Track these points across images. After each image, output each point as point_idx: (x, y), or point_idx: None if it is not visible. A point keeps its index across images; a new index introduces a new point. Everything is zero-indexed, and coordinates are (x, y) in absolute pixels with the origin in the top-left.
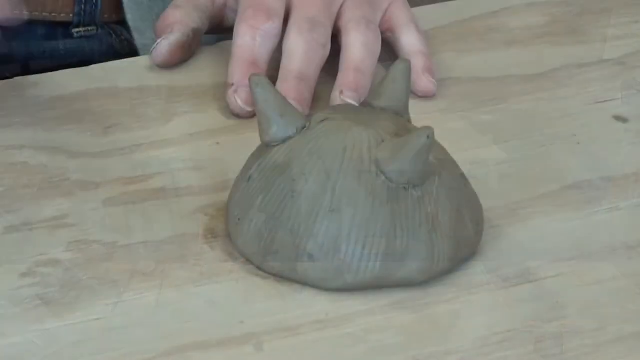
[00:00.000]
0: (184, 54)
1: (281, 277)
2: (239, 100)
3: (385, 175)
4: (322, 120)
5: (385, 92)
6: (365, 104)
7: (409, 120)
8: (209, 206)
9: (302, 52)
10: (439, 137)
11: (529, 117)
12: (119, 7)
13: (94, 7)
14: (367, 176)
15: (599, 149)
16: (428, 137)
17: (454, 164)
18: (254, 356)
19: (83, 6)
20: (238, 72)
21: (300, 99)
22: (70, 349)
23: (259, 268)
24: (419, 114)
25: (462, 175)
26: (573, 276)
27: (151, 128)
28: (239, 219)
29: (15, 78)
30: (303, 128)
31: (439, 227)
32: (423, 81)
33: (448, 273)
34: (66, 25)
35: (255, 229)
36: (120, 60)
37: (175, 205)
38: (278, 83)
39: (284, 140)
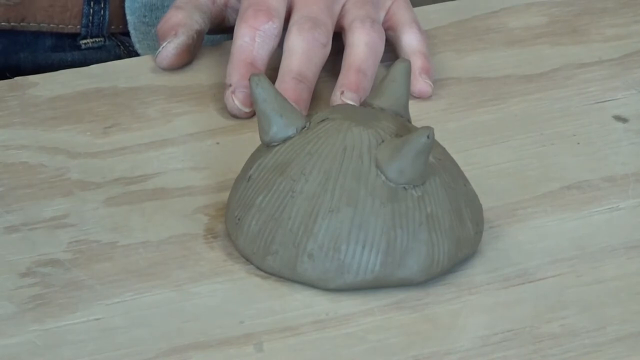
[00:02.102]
0: (189, 57)
1: (281, 277)
2: (236, 101)
3: (385, 175)
4: (322, 120)
5: (385, 92)
6: (365, 104)
7: (409, 120)
8: (209, 206)
9: (301, 52)
10: (439, 137)
11: (529, 117)
12: (126, 19)
13: (101, 18)
14: (367, 176)
15: (599, 149)
16: (428, 137)
17: (454, 164)
18: (254, 356)
19: (91, 18)
20: (236, 73)
21: (298, 100)
22: (70, 349)
23: (259, 268)
24: (419, 114)
25: (462, 175)
26: (573, 276)
27: (151, 128)
28: (239, 219)
29: (16, 78)
30: (303, 128)
31: (439, 227)
32: (419, 82)
33: (448, 273)
34: (74, 37)
35: (255, 229)
36: (120, 60)
37: (175, 205)
38: (277, 83)
39: (284, 140)
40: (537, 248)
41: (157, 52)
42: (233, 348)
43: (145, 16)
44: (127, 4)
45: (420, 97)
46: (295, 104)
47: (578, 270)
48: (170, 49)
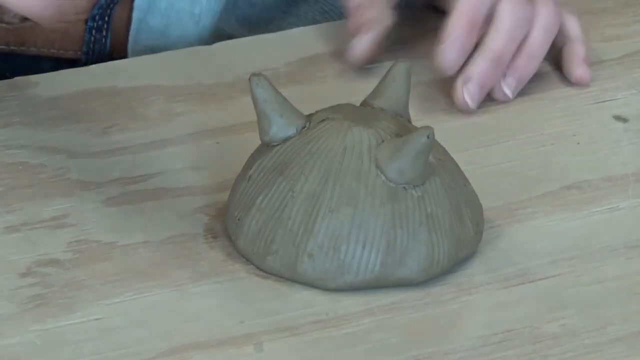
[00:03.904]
0: (380, 52)
1: (281, 277)
2: (467, 97)
3: (385, 175)
4: (322, 120)
5: (385, 92)
6: (365, 104)
7: (409, 120)
8: (209, 206)
9: (508, 29)
10: (439, 137)
11: (529, 117)
12: (126, 46)
13: (102, 46)
14: (367, 176)
15: (599, 149)
16: (428, 137)
17: (454, 164)
18: (254, 356)
19: (92, 45)
20: (458, 31)
21: (484, 85)
22: (70, 349)
23: (259, 268)
24: (419, 114)
25: (462, 175)
26: (573, 276)
27: (151, 128)
28: (239, 219)
29: (15, 78)
30: (303, 128)
31: (439, 227)
32: (580, 68)
33: (448, 273)
34: (73, 62)
35: (255, 229)
36: (120, 60)
37: (175, 205)
38: (473, 57)
39: (284, 140)
40: (537, 248)
41: (351, 45)
42: (233, 348)
43: None
44: (130, 47)
45: (578, 84)
46: (480, 88)
47: (578, 270)
48: (364, 43)
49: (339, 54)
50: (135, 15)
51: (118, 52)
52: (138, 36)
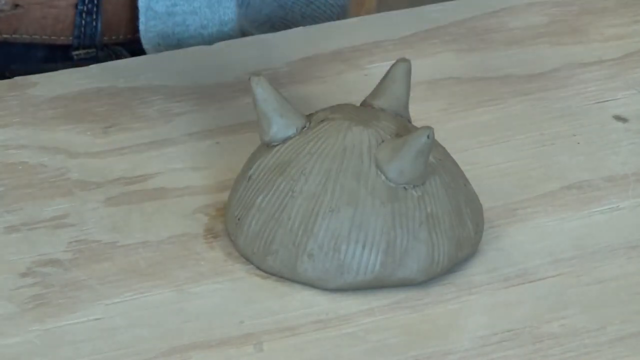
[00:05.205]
0: None
1: (281, 277)
2: None
3: (385, 175)
4: (322, 120)
5: (385, 92)
6: (365, 104)
7: (409, 120)
8: (209, 206)
9: None
10: (439, 137)
11: (529, 117)
12: (118, 29)
13: (93, 29)
14: (367, 176)
15: (599, 149)
16: (428, 137)
17: (454, 164)
18: (254, 356)
19: (82, 29)
20: None
21: None
22: (70, 349)
23: (259, 268)
24: (419, 114)
25: (462, 175)
26: (573, 276)
27: (151, 128)
28: (239, 219)
29: (15, 78)
30: (303, 128)
31: (439, 227)
32: None
33: (448, 273)
34: (65, 48)
35: (255, 229)
36: (121, 60)
37: (175, 205)
38: None
39: (284, 140)
40: (537, 248)
41: None
42: (233, 348)
43: (159, 44)
44: (142, 33)
45: None
46: None
47: (578, 270)
48: None
49: (339, 53)
50: (140, 4)
51: (109, 35)
52: (148, 24)
